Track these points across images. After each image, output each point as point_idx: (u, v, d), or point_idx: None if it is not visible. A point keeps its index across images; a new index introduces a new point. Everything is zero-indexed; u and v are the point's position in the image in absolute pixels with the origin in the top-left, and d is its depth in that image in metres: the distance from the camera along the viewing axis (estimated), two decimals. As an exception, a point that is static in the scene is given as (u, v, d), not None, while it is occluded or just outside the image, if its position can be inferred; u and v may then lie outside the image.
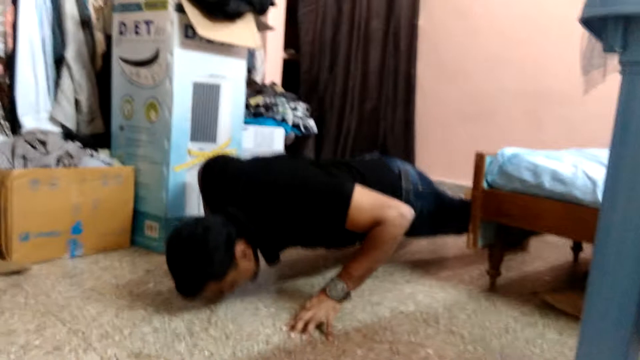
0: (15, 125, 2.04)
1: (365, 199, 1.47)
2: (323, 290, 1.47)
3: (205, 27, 1.89)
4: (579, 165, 1.54)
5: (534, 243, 2.43)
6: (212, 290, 1.44)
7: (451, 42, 3.67)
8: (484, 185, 1.71)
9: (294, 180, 1.53)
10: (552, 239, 2.50)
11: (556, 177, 1.54)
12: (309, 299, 1.49)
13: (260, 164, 1.67)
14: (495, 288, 1.80)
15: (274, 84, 3.00)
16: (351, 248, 1.73)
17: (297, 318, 1.40)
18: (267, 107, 2.67)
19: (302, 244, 1.76)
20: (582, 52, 1.67)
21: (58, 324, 1.31)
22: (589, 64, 1.66)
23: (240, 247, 1.44)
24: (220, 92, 2.07)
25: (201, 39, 1.93)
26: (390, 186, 1.81)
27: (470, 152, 1.74)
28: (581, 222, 1.48)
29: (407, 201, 1.79)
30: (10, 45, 1.99)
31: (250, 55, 2.52)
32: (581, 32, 1.69)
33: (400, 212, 1.46)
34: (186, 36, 1.92)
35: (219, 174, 1.63)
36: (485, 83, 3.49)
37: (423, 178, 1.97)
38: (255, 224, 1.48)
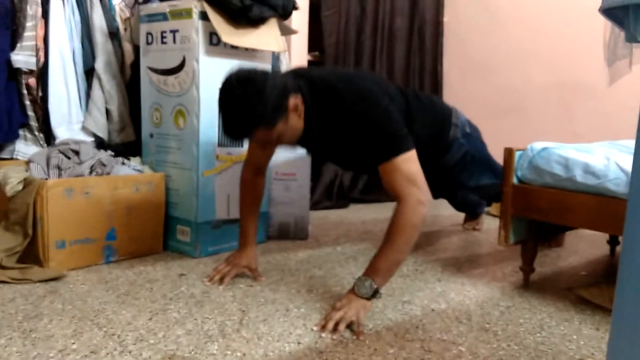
0: (49, 136, 2.10)
1: (406, 166, 1.48)
2: (352, 290, 1.47)
3: (229, 34, 1.91)
4: (611, 157, 1.50)
5: (569, 238, 2.39)
6: (259, 138, 1.48)
7: (477, 38, 3.63)
8: (514, 180, 1.69)
9: (372, 97, 1.54)
10: (587, 233, 2.45)
11: (588, 170, 1.51)
12: (339, 299, 1.49)
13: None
14: (529, 284, 1.77)
15: (299, 86, 3.01)
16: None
17: (327, 318, 1.40)
18: (294, 110, 2.69)
19: (341, 156, 1.84)
20: (606, 43, 1.64)
21: (94, 328, 1.34)
22: (613, 55, 1.63)
23: (294, 100, 1.46)
24: (246, 97, 2.08)
25: (226, 45, 1.96)
26: (442, 116, 1.95)
27: (502, 148, 1.72)
28: (614, 215, 1.45)
29: (455, 138, 1.97)
30: (42, 58, 2.05)
31: (275, 58, 2.54)
32: (604, 23, 1.66)
33: (418, 198, 1.45)
34: (211, 43, 1.95)
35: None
36: (514, 77, 3.44)
37: (473, 126, 2.10)
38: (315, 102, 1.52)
